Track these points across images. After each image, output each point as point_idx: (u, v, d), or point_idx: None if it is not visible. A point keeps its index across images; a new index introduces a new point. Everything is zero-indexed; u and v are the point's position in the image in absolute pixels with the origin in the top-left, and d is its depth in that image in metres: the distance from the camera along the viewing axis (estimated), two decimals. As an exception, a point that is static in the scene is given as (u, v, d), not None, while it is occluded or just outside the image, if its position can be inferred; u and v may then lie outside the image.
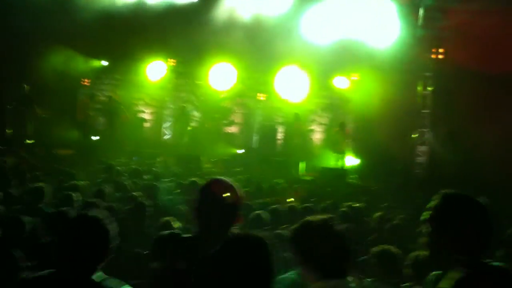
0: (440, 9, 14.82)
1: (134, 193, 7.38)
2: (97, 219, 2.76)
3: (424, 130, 15.35)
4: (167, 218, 5.65)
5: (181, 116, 18.32)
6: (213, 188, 3.00)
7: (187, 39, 17.91)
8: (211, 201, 2.93)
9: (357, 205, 7.98)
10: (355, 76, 17.51)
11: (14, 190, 7.32)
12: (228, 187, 2.98)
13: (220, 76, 18.75)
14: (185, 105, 18.61)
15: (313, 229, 2.67)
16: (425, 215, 2.69)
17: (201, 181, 9.16)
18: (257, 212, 6.08)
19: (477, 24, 14.02)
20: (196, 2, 18.57)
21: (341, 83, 17.87)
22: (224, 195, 2.93)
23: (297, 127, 17.02)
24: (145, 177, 10.41)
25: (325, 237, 2.63)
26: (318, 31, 17.60)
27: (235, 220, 2.97)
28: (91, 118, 17.96)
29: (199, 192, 3.03)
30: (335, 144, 15.77)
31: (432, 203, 2.69)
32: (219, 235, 2.69)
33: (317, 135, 18.59)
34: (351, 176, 14.39)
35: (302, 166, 15.31)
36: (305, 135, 17.29)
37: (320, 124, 18.76)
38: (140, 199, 6.77)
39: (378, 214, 7.22)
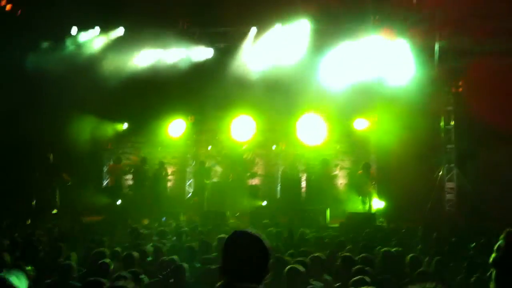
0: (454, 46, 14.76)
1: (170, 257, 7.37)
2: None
3: (451, 165, 15.04)
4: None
5: (200, 171, 18.22)
6: (237, 240, 2.81)
7: (204, 95, 18.30)
8: (238, 254, 2.74)
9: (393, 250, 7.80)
10: (375, 117, 17.43)
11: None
12: (254, 238, 2.80)
13: (240, 129, 18.88)
14: (203, 160, 18.58)
15: None
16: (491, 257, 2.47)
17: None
18: (292, 265, 5.93)
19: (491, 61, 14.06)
20: (211, 58, 18.92)
21: (361, 125, 17.85)
22: (250, 247, 2.75)
23: (325, 173, 16.81)
24: (170, 237, 10.37)
25: None
26: (334, 76, 17.75)
27: (265, 274, 2.77)
28: (121, 182, 18.05)
29: (223, 247, 2.82)
30: (360, 187, 15.52)
31: (497, 244, 2.48)
32: None
33: (341, 180, 18.42)
34: (380, 219, 14.10)
35: (328, 213, 15.05)
36: (332, 180, 17.06)
37: (343, 168, 18.60)
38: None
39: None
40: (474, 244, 8.87)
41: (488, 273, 6.03)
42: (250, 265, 2.71)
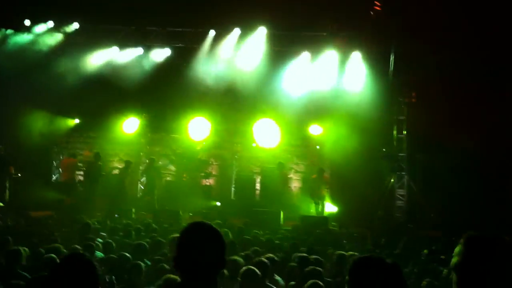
0: (409, 56, 15.17)
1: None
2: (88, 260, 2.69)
3: (402, 173, 15.43)
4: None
5: (150, 170, 17.91)
6: (195, 231, 2.69)
7: (161, 95, 18.18)
8: (195, 245, 2.63)
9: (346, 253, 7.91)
10: (330, 124, 17.70)
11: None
12: (212, 230, 2.71)
13: (196, 129, 18.77)
14: (154, 157, 18.35)
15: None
16: (452, 261, 2.48)
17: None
18: (249, 266, 5.88)
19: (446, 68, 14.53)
20: (169, 58, 18.81)
21: (316, 130, 18.11)
22: (208, 238, 2.66)
23: (281, 176, 16.88)
24: (121, 233, 10.18)
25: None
26: (291, 83, 18.02)
27: (221, 267, 2.70)
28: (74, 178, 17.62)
29: (179, 238, 2.69)
30: (313, 190, 15.71)
31: (457, 249, 2.48)
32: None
33: (295, 183, 18.63)
34: (332, 223, 14.30)
35: (281, 215, 15.14)
36: (287, 183, 17.17)
37: (297, 172, 18.85)
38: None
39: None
40: (426, 250, 9.10)
41: (444, 277, 6.26)
42: (208, 256, 2.62)
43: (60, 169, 18.39)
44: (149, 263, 7.42)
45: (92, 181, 16.59)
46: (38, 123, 17.70)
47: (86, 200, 16.17)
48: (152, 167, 17.83)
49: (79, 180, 18.30)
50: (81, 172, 18.17)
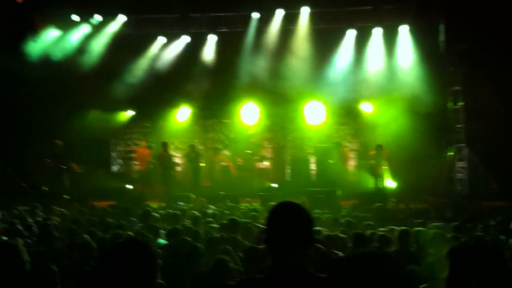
0: (460, 24, 14.71)
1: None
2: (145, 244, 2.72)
3: (461, 145, 15.05)
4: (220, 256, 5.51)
5: (190, 156, 17.79)
6: (284, 209, 2.74)
7: (209, 81, 18.32)
8: (286, 222, 2.66)
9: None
10: (382, 101, 17.48)
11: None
12: (301, 209, 2.73)
13: (247, 114, 18.89)
14: (193, 143, 18.47)
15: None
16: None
17: (240, 219, 9.09)
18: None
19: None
20: (216, 45, 18.86)
21: (367, 108, 17.94)
22: (298, 215, 2.69)
23: (339, 155, 16.78)
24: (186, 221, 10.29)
25: None
26: (339, 62, 17.83)
27: (311, 243, 2.76)
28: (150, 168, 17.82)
29: (268, 218, 2.73)
30: (373, 167, 15.54)
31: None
32: (296, 268, 2.60)
33: (351, 162, 18.50)
34: (392, 199, 14.12)
35: (339, 193, 15.08)
36: (344, 162, 17.03)
37: (352, 150, 18.72)
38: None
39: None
40: (493, 222, 8.84)
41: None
42: (297, 233, 2.65)
43: (135, 160, 18.48)
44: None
45: (167, 169, 16.73)
46: (95, 119, 18.44)
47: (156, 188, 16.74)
48: (193, 152, 17.74)
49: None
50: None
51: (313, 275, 2.65)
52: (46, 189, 15.82)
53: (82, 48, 18.52)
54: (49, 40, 18.24)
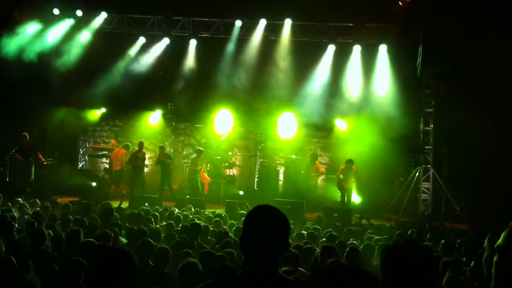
0: (438, 48, 14.91)
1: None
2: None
3: (428, 166, 15.22)
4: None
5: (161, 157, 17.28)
6: (261, 213, 2.68)
7: (184, 85, 18.31)
8: (263, 225, 2.61)
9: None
10: (355, 117, 17.69)
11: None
12: (278, 213, 2.67)
13: (220, 122, 18.90)
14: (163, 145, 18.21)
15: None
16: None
17: (203, 224, 9.09)
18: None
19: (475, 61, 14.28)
20: (196, 49, 18.86)
21: (341, 124, 18.11)
22: (273, 221, 2.63)
23: (313, 168, 16.64)
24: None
25: None
26: (316, 76, 18.02)
27: (284, 250, 2.67)
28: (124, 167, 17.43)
29: (246, 219, 2.70)
30: (340, 181, 15.62)
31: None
32: (268, 270, 2.58)
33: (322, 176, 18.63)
34: (356, 215, 14.20)
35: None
36: (317, 175, 16.92)
37: (321, 163, 18.80)
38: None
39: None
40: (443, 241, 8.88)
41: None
42: (272, 238, 2.61)
43: (111, 158, 17.98)
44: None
45: (137, 170, 16.44)
46: (65, 115, 18.23)
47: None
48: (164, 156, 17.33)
49: (105, 168, 18.62)
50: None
51: (284, 278, 2.64)
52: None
53: (61, 44, 18.31)
54: (28, 35, 17.99)
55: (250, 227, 2.66)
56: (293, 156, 17.97)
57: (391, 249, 2.69)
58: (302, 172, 16.59)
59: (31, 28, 18.01)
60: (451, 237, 9.43)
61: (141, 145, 16.77)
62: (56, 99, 18.22)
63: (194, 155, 17.21)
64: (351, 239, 9.27)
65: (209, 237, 8.98)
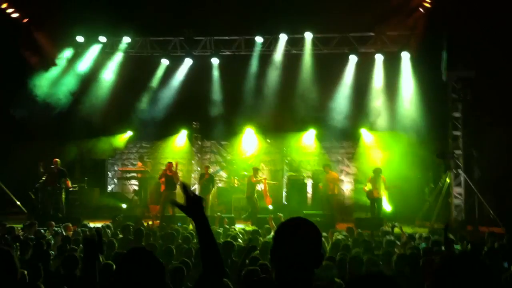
0: (462, 52, 14.74)
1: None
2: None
3: (459, 171, 14.95)
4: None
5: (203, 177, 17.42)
6: (293, 224, 2.61)
7: (209, 102, 18.45)
8: (294, 240, 2.53)
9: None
10: (381, 126, 17.61)
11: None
12: (309, 225, 2.59)
13: (246, 139, 19.01)
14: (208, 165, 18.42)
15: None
16: None
17: (235, 241, 9.01)
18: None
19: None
20: (219, 67, 19.03)
21: (366, 134, 18.02)
22: (306, 233, 2.55)
23: (327, 177, 16.39)
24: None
25: None
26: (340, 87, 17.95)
27: (318, 263, 2.57)
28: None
29: (277, 233, 2.62)
30: (370, 191, 15.46)
31: None
32: (302, 282, 2.50)
33: (347, 185, 18.52)
34: (388, 224, 14.01)
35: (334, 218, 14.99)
36: (333, 185, 16.49)
37: (348, 174, 18.73)
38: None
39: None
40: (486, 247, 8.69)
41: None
42: (307, 248, 2.53)
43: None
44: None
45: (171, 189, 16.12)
46: (94, 142, 18.95)
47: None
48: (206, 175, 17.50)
49: (134, 190, 18.88)
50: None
51: None
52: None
53: (91, 72, 18.83)
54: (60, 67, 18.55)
55: (283, 238, 2.58)
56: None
57: (448, 262, 2.56)
58: (320, 184, 16.45)
59: (64, 56, 18.59)
60: (490, 242, 9.19)
61: (175, 165, 16.61)
62: (85, 128, 18.55)
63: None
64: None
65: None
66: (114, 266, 5.76)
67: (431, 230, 12.88)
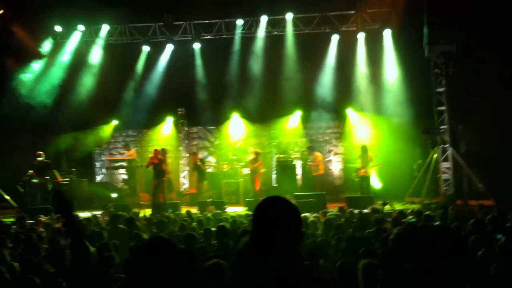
0: (443, 26, 14.76)
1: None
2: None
3: (446, 146, 15.08)
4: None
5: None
6: (270, 204, 2.52)
7: (193, 88, 18.34)
8: (273, 219, 2.44)
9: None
10: (366, 105, 17.70)
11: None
12: (288, 203, 2.52)
13: (233, 125, 19.05)
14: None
15: None
16: None
17: (228, 226, 9.04)
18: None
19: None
20: (199, 51, 18.87)
21: (352, 113, 18.10)
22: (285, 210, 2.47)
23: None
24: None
25: None
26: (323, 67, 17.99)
27: (299, 242, 2.50)
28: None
29: (254, 213, 2.53)
30: (358, 169, 15.57)
31: None
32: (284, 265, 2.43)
33: (337, 165, 18.62)
34: (378, 201, 14.14)
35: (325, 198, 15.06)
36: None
37: (336, 153, 18.81)
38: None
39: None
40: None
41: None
42: (284, 230, 2.44)
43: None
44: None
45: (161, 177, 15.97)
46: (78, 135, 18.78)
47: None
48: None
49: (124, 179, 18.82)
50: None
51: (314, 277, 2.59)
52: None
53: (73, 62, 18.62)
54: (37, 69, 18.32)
55: (260, 222, 2.50)
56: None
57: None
58: (305, 165, 16.52)
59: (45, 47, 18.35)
60: (481, 215, 9.31)
61: (164, 152, 16.40)
62: (71, 119, 18.42)
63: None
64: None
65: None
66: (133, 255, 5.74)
67: (423, 205, 13.05)
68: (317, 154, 16.70)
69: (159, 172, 15.70)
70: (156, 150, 16.30)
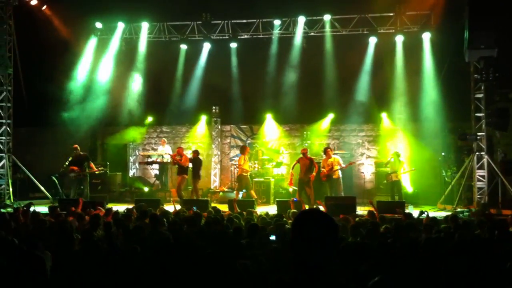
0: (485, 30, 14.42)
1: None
2: None
3: (482, 153, 14.76)
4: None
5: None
6: (308, 217, 2.66)
7: (227, 88, 18.46)
8: (310, 231, 2.60)
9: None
10: (402, 108, 17.48)
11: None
12: (324, 216, 2.66)
13: (267, 125, 19.32)
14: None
15: None
16: None
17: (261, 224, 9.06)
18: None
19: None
20: (236, 50, 18.98)
21: (387, 118, 17.96)
22: (321, 224, 2.61)
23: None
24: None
25: None
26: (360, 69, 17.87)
27: (337, 247, 2.65)
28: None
29: (293, 226, 2.68)
30: (390, 175, 15.40)
31: None
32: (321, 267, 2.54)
33: (368, 169, 18.43)
34: (409, 207, 13.95)
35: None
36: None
37: (369, 157, 18.66)
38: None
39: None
40: None
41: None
42: (324, 241, 2.60)
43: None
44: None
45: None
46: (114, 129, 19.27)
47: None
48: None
49: (156, 175, 19.08)
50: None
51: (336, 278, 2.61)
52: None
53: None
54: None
55: (299, 234, 2.63)
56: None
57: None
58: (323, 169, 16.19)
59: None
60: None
61: (179, 150, 16.43)
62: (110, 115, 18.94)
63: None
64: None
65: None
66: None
67: (455, 213, 12.81)
68: (327, 158, 15.91)
69: (181, 169, 15.94)
70: (179, 147, 16.71)
